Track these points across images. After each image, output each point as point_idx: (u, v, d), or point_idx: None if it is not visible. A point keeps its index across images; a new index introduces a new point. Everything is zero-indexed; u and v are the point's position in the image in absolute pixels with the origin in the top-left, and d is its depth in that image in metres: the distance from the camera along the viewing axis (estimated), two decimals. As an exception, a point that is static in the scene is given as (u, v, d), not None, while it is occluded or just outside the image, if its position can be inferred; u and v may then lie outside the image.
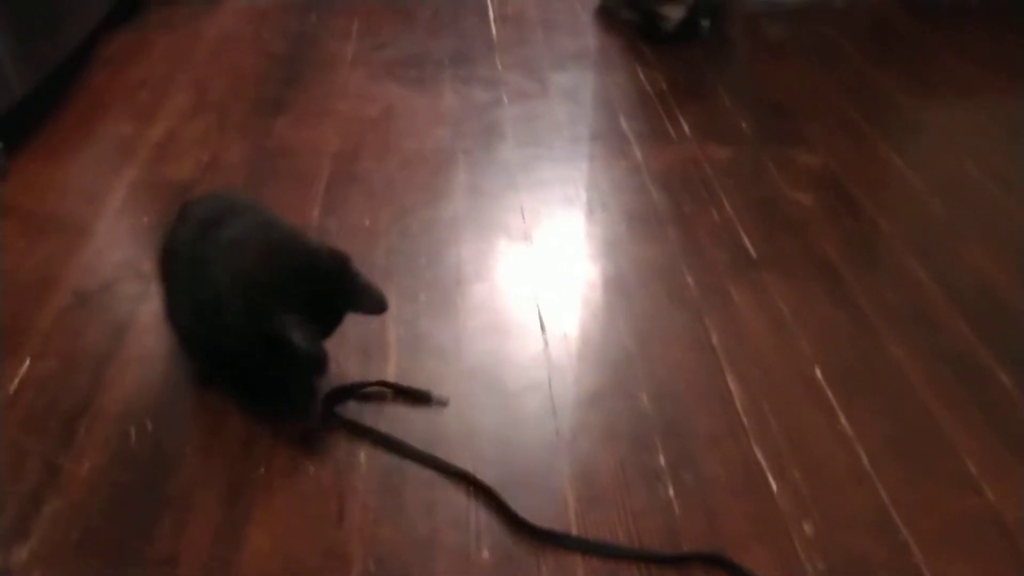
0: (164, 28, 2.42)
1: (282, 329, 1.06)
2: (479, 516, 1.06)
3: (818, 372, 1.25)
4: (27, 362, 1.29)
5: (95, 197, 1.67)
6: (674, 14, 2.24)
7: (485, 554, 1.02)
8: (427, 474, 1.11)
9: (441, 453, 1.13)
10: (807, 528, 1.03)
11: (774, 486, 1.09)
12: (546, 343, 1.32)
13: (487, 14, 2.49)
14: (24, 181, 1.71)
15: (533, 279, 1.46)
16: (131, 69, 2.18)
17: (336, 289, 1.12)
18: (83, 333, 1.35)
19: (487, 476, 1.10)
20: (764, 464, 1.11)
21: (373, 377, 1.24)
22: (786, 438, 1.15)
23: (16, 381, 1.25)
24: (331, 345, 1.29)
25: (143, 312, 1.38)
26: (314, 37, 2.36)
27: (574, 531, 1.04)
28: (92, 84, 2.09)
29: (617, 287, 1.44)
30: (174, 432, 1.18)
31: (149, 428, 1.18)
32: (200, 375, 1.25)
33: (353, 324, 1.32)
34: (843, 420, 1.17)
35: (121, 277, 1.46)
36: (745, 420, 1.18)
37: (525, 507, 1.05)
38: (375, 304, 1.15)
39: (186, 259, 1.17)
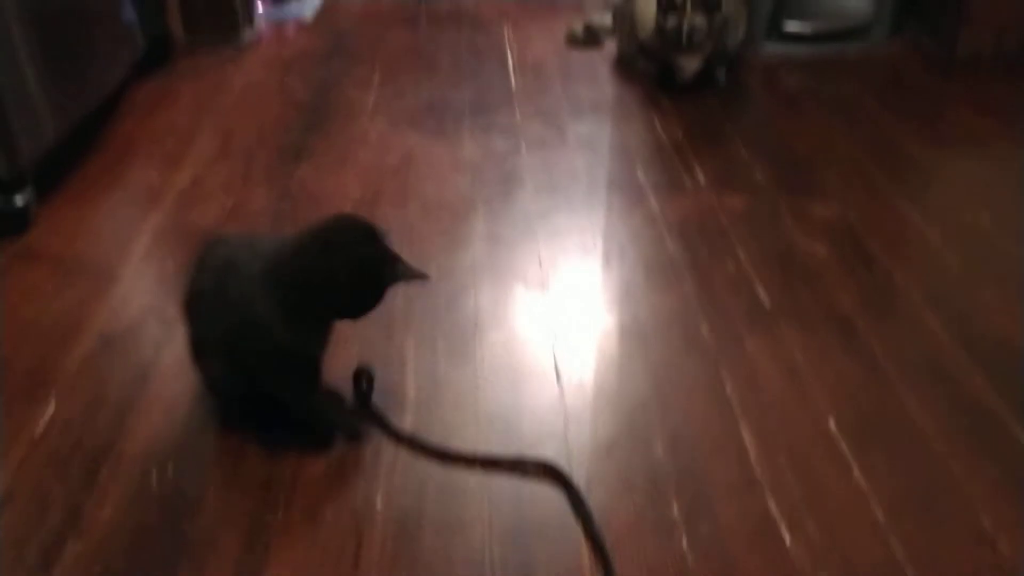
0: (191, 76, 2.48)
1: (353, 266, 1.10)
2: (494, 561, 1.07)
3: (832, 424, 1.26)
4: (53, 405, 1.31)
5: (121, 242, 1.71)
6: (690, 64, 2.28)
7: (500, 602, 1.02)
8: (443, 520, 1.12)
9: (457, 502, 1.14)
10: (821, 581, 1.04)
11: (788, 538, 1.09)
12: (562, 391, 1.34)
13: (507, 64, 2.53)
14: (53, 226, 1.76)
15: (550, 327, 1.48)
16: (158, 116, 2.24)
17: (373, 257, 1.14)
18: (108, 376, 1.37)
19: (503, 524, 1.11)
20: (778, 516, 1.12)
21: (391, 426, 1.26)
22: (800, 490, 1.16)
23: (42, 423, 1.28)
24: (349, 395, 1.31)
25: (166, 356, 1.41)
26: (337, 85, 2.41)
27: (588, 581, 1.04)
28: (120, 131, 2.15)
29: (633, 335, 1.46)
30: (195, 474, 1.19)
31: (170, 471, 1.20)
32: (225, 414, 1.27)
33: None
34: (857, 472, 1.18)
35: (146, 321, 1.49)
36: (759, 471, 1.18)
37: (541, 556, 1.06)
38: (414, 272, 1.16)
39: (210, 295, 1.19)
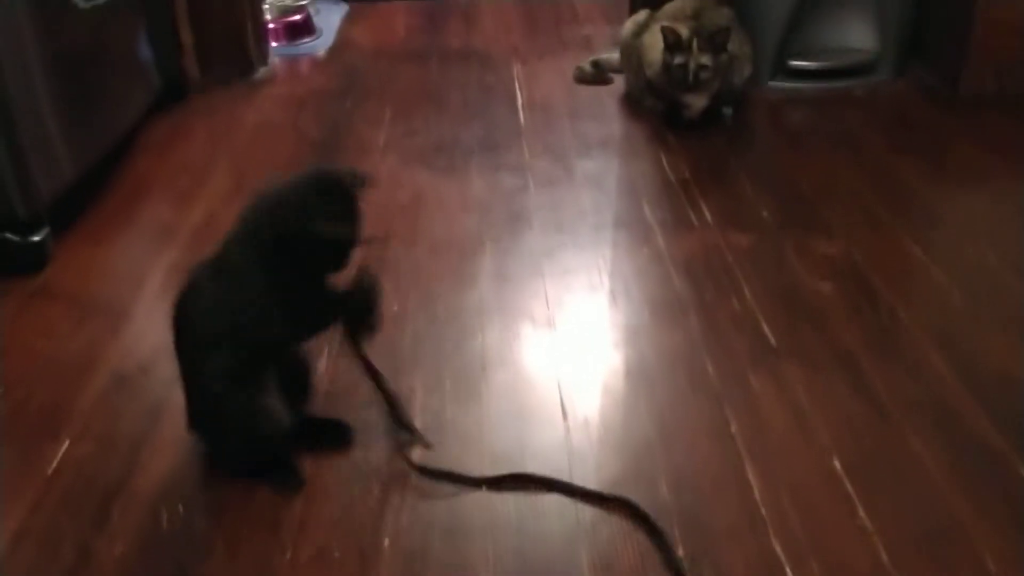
0: (205, 114, 2.52)
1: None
2: (500, 605, 1.08)
3: (837, 464, 1.27)
4: (66, 443, 1.33)
5: (136, 280, 1.74)
6: (697, 102, 2.30)
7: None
8: (449, 561, 1.14)
9: (461, 541, 1.16)
10: (825, 623, 1.04)
11: (792, 579, 1.10)
12: (568, 429, 1.35)
13: (516, 101, 2.56)
14: (68, 264, 1.78)
15: (556, 366, 1.49)
16: (173, 154, 2.27)
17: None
18: (121, 415, 1.39)
19: (506, 565, 1.12)
20: (783, 557, 1.13)
21: (397, 465, 1.28)
22: (805, 531, 1.16)
23: (55, 462, 1.30)
24: (357, 432, 1.33)
25: (178, 394, 1.42)
26: (348, 123, 2.44)
27: (593, 622, 1.05)
28: (136, 168, 2.18)
29: (639, 374, 1.47)
30: (204, 515, 1.21)
31: (180, 511, 1.21)
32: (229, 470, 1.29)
33: (381, 414, 1.36)
34: (862, 513, 1.18)
35: (159, 359, 1.51)
36: (764, 511, 1.19)
37: (545, 597, 1.07)
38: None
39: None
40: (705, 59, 2.20)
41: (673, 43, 2.23)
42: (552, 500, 1.22)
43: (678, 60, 2.22)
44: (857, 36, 2.59)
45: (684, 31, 2.21)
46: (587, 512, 1.20)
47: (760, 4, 2.53)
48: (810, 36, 2.58)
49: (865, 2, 2.55)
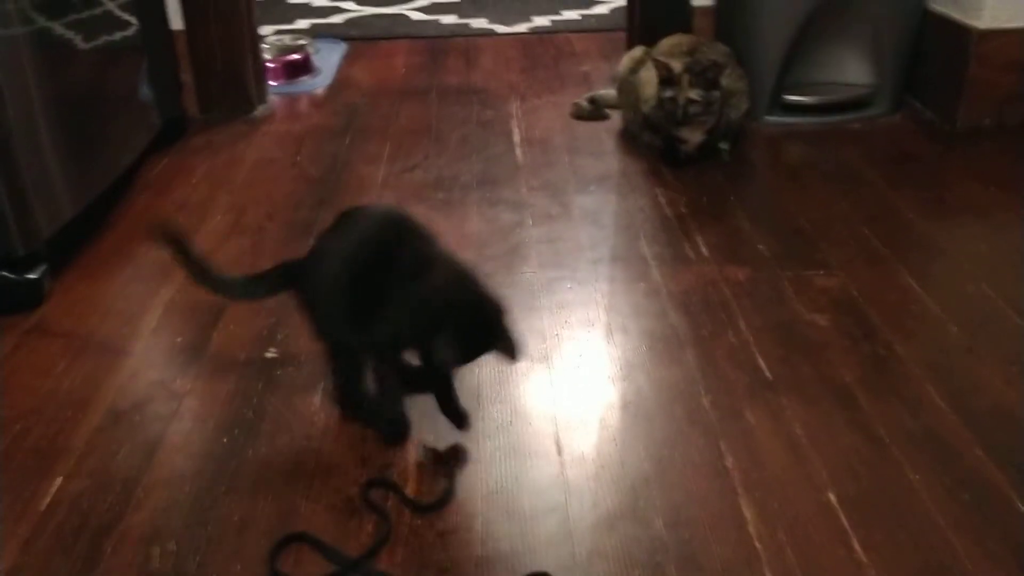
0: (205, 152, 2.54)
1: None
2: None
3: (833, 498, 1.26)
4: (59, 481, 1.33)
5: (132, 318, 1.74)
6: (693, 137, 2.32)
7: None
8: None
9: (457, 578, 1.15)
10: (822, 660, 1.03)
11: (789, 616, 1.09)
12: (563, 465, 1.34)
13: (513, 139, 2.58)
14: (65, 301, 1.79)
15: (552, 401, 1.49)
16: (172, 192, 2.29)
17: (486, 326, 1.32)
18: (115, 452, 1.39)
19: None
20: (779, 593, 1.12)
21: (391, 501, 1.27)
22: (800, 566, 1.15)
23: (47, 499, 1.29)
24: (352, 468, 1.33)
25: (172, 432, 1.43)
26: (347, 160, 2.46)
27: (587, 660, 1.04)
28: (134, 206, 2.19)
29: (635, 409, 1.47)
30: (195, 553, 1.20)
31: (172, 548, 1.20)
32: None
33: (377, 449, 1.36)
34: (858, 548, 1.17)
35: (154, 397, 1.51)
36: (759, 547, 1.18)
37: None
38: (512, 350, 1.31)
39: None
40: (695, 94, 2.22)
41: (665, 77, 2.25)
42: (548, 535, 1.21)
43: (668, 94, 2.24)
44: (853, 71, 2.61)
45: (677, 65, 2.23)
46: (583, 547, 1.19)
47: (756, 40, 2.56)
48: (807, 71, 2.60)
49: (861, 37, 2.57)
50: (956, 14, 2.46)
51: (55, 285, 1.82)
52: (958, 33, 2.43)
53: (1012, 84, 2.41)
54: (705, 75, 2.23)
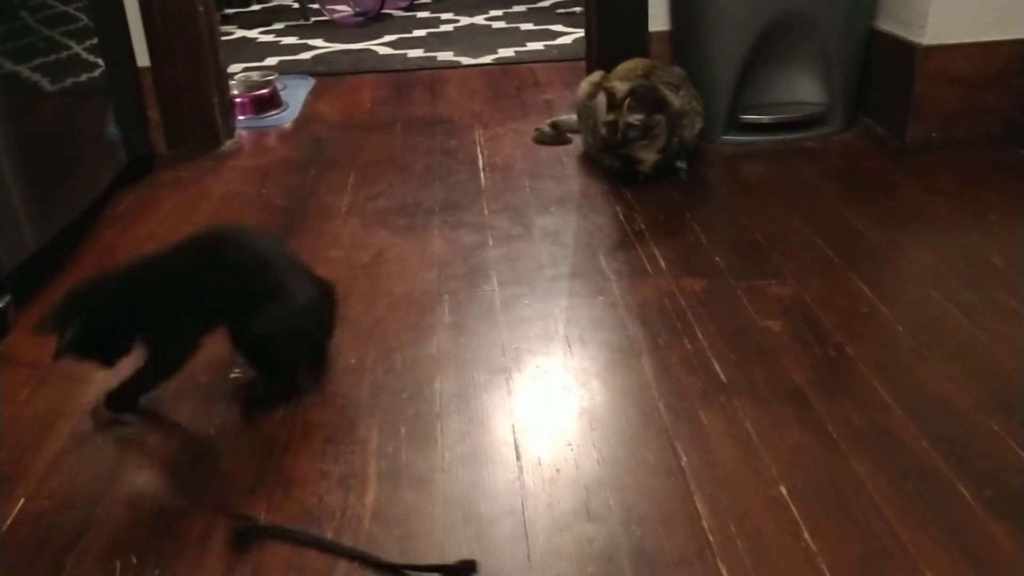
0: (172, 186, 2.57)
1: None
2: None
3: (783, 491, 1.29)
4: (20, 503, 1.34)
5: (97, 345, 1.75)
6: (649, 156, 2.37)
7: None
8: None
9: (414, 579, 1.17)
10: (770, 644, 1.06)
11: (738, 604, 1.11)
12: (521, 470, 1.37)
13: (477, 164, 2.63)
14: (30, 333, 1.80)
15: (510, 410, 1.52)
16: (139, 225, 2.31)
17: None
18: (77, 474, 1.40)
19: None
20: (729, 583, 1.14)
21: (351, 510, 1.29)
22: (752, 557, 1.18)
23: (7, 522, 1.30)
24: (312, 480, 1.34)
25: (135, 453, 1.45)
26: (313, 191, 2.49)
27: (541, 653, 1.06)
28: (101, 240, 2.22)
29: (591, 415, 1.49)
30: (158, 566, 1.22)
31: (134, 562, 1.22)
32: None
33: (335, 459, 1.39)
34: (807, 536, 1.20)
35: (117, 421, 1.53)
36: (712, 539, 1.21)
37: (494, 630, 1.08)
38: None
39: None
40: (634, 118, 2.27)
41: (608, 101, 2.30)
42: (504, 537, 1.24)
43: (609, 118, 2.30)
44: (807, 90, 2.68)
45: (622, 89, 2.29)
46: (538, 547, 1.22)
47: (711, 62, 2.63)
48: (762, 91, 2.67)
49: (813, 57, 2.63)
50: (901, 32, 2.53)
51: (20, 316, 1.84)
52: (903, 50, 2.50)
53: (956, 99, 2.48)
54: (646, 99, 2.28)
